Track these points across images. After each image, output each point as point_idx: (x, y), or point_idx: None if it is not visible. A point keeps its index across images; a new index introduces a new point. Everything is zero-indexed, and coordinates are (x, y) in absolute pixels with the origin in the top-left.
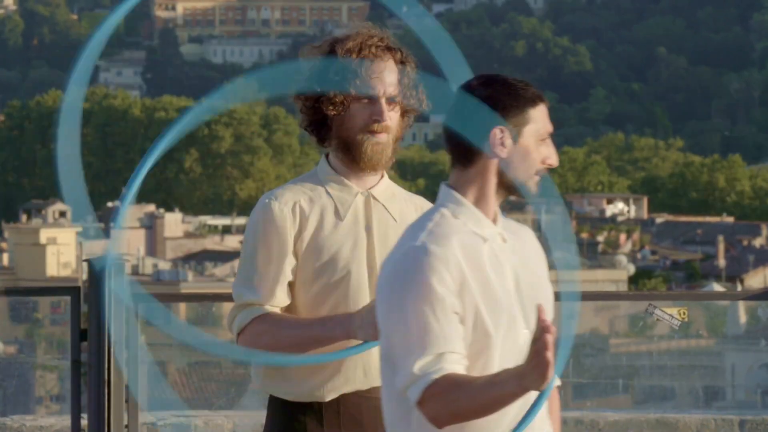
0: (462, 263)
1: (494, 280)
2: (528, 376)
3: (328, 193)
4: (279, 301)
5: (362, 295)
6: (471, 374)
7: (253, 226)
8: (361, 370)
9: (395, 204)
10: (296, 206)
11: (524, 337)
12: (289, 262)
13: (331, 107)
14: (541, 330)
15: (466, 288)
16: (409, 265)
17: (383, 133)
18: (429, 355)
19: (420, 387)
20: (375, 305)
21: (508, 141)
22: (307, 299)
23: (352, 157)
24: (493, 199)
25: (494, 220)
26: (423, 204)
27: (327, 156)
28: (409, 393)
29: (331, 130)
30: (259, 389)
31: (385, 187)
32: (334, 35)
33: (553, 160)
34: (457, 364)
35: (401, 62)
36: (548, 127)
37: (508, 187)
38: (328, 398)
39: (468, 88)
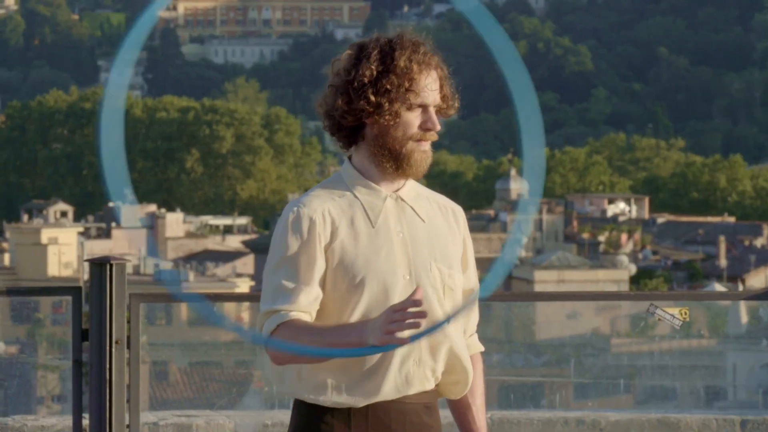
0: None
1: None
2: None
3: (356, 197)
4: (306, 307)
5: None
6: None
7: (281, 235)
8: (392, 384)
9: (421, 204)
10: (326, 214)
11: None
12: (318, 270)
13: (388, 116)
14: None
15: None
16: None
17: (429, 141)
18: None
19: None
20: (385, 313)
21: None
22: (344, 309)
23: (397, 165)
24: None
25: None
26: (445, 203)
27: (349, 158)
28: None
29: (365, 137)
30: (287, 392)
31: (410, 187)
32: (378, 37)
33: None
34: None
35: (436, 68)
36: None
37: None
38: (359, 405)
39: None
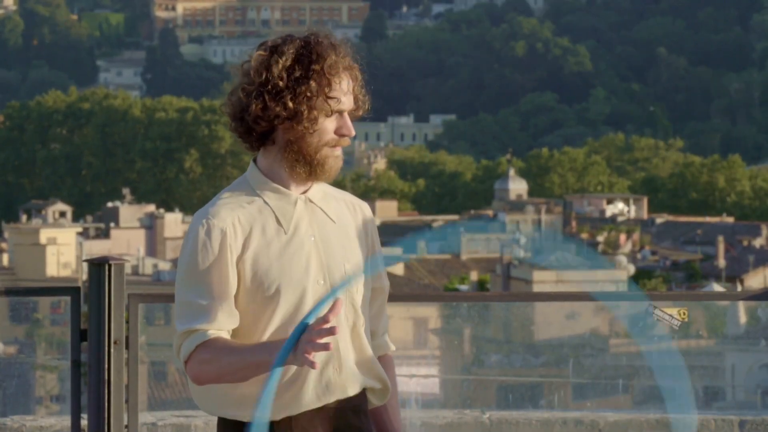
0: None
1: None
2: None
3: (266, 203)
4: (224, 324)
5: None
6: None
7: (191, 250)
8: (312, 394)
9: (330, 204)
10: (236, 223)
11: None
12: (232, 285)
13: (307, 124)
14: None
15: None
16: None
17: (342, 146)
18: None
19: None
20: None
21: None
22: (259, 320)
23: (310, 171)
24: None
25: None
26: (353, 201)
27: (254, 160)
28: None
29: (275, 141)
30: (209, 411)
31: (317, 188)
32: (292, 38)
33: None
34: None
35: (351, 70)
36: None
37: None
38: (279, 417)
39: None
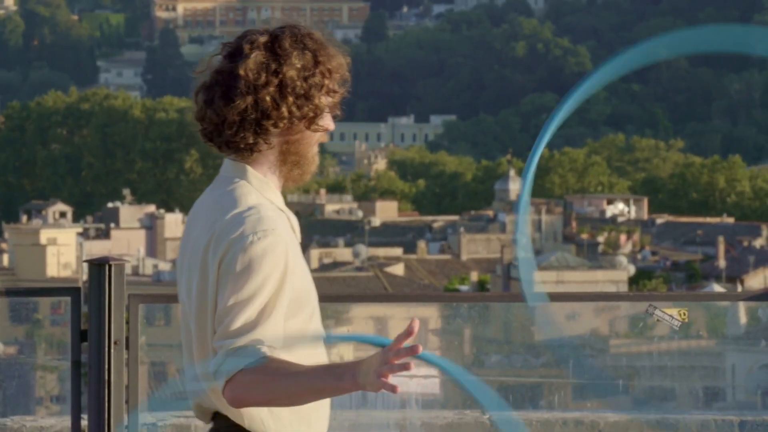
0: None
1: None
2: None
3: (282, 211)
4: (275, 342)
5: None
6: None
7: (259, 260)
8: (323, 423)
9: None
10: (285, 234)
11: None
12: (284, 300)
13: (325, 122)
14: None
15: None
16: None
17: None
18: None
19: None
20: (381, 353)
21: None
22: (287, 337)
23: (304, 171)
24: None
25: None
26: None
27: (237, 163)
28: None
29: (271, 143)
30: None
31: None
32: (294, 32)
33: None
34: None
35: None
36: None
37: None
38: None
39: None
